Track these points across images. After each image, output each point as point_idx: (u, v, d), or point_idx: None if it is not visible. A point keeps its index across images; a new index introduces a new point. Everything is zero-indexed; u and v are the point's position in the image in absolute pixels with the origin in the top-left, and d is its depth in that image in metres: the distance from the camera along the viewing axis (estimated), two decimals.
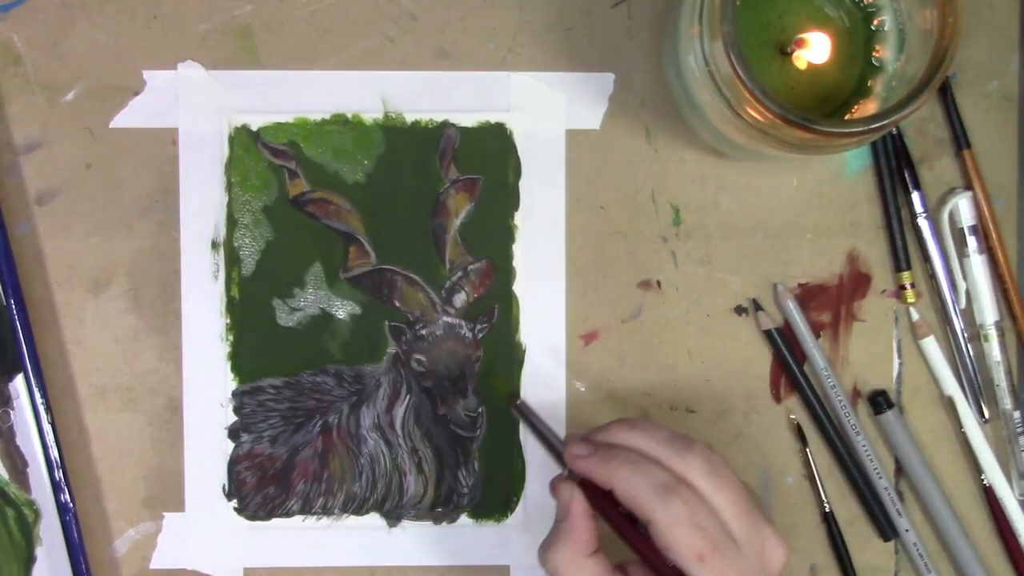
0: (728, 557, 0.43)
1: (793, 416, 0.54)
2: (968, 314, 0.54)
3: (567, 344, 0.53)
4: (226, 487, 0.53)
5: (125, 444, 0.53)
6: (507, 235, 0.53)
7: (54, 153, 0.52)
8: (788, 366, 0.53)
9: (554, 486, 0.47)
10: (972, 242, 0.53)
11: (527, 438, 0.53)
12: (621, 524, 0.45)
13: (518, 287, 0.53)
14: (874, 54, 0.47)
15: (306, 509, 0.53)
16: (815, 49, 0.47)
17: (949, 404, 0.54)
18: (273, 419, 0.53)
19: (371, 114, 0.53)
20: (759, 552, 0.44)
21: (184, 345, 0.53)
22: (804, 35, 0.47)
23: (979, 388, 0.53)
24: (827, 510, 0.53)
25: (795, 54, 0.47)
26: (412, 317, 0.53)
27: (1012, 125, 0.54)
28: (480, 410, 0.53)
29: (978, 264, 0.53)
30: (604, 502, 0.45)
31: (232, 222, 0.53)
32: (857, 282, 0.54)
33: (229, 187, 0.53)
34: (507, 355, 0.53)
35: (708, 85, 0.45)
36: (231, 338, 0.53)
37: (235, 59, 0.52)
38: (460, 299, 0.53)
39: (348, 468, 0.53)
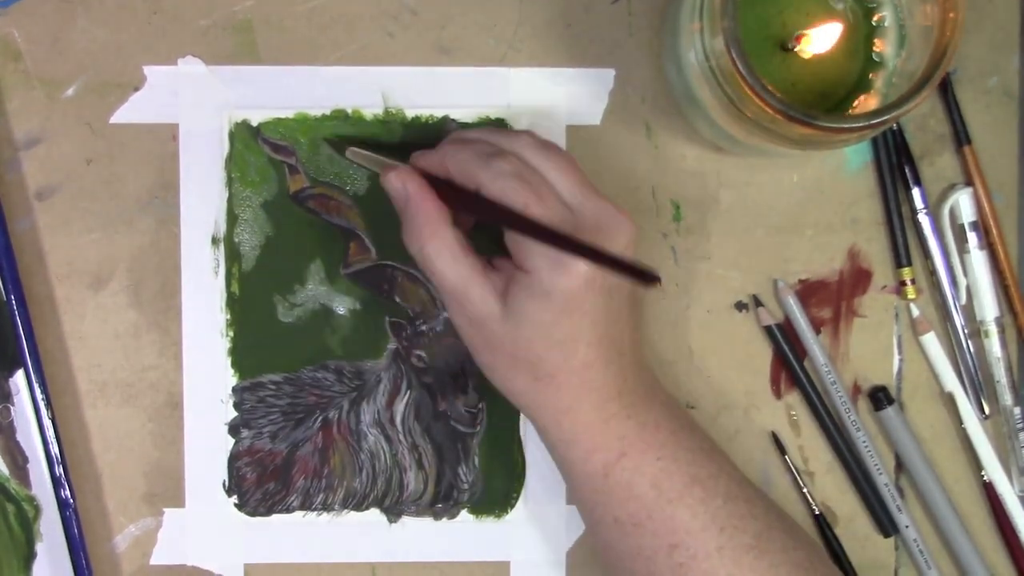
0: (556, 212, 0.43)
1: (794, 413, 0.54)
2: (968, 310, 0.54)
3: None
4: (226, 483, 0.53)
5: (125, 440, 0.53)
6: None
7: (54, 149, 0.52)
8: (788, 362, 0.53)
9: (384, 181, 0.47)
10: (972, 238, 0.53)
11: (528, 434, 0.53)
12: (463, 198, 0.45)
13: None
14: (875, 50, 0.47)
15: (306, 505, 0.53)
16: (816, 40, 0.47)
17: (949, 400, 0.54)
18: (273, 415, 0.53)
19: (371, 109, 0.53)
20: (596, 223, 0.43)
21: (184, 341, 0.53)
22: (804, 30, 0.47)
23: (979, 384, 0.53)
24: (817, 513, 0.53)
25: (796, 49, 0.47)
26: (412, 313, 0.53)
27: (1012, 121, 0.54)
28: (480, 406, 0.53)
29: (978, 260, 0.53)
30: (446, 192, 0.45)
31: (232, 218, 0.53)
32: (857, 278, 0.54)
33: (229, 183, 0.53)
34: None
35: (709, 81, 0.45)
36: (231, 334, 0.53)
37: (235, 55, 0.52)
38: None
39: (348, 464, 0.53)
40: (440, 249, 0.45)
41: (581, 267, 0.43)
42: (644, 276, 0.39)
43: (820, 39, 0.47)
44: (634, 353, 0.47)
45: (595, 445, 0.46)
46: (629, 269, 0.39)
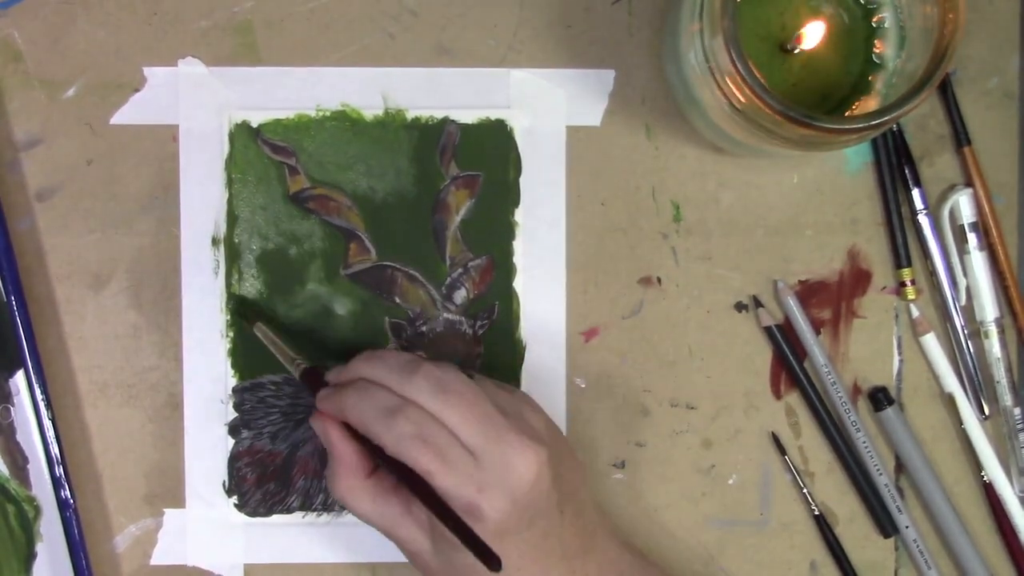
0: (460, 469, 0.43)
1: (794, 419, 0.54)
2: (968, 311, 0.54)
3: (567, 341, 0.53)
4: (226, 483, 0.53)
5: (126, 440, 0.53)
6: (507, 232, 0.53)
7: (54, 149, 0.52)
8: (788, 363, 0.53)
9: (311, 422, 0.47)
10: (972, 239, 0.53)
11: None
12: (375, 453, 0.45)
13: (518, 284, 0.53)
14: (874, 51, 0.47)
15: (306, 505, 0.53)
16: (811, 34, 0.47)
17: (949, 401, 0.54)
18: (273, 415, 0.53)
19: (371, 110, 0.53)
20: (500, 463, 0.43)
21: (185, 341, 0.53)
22: (804, 30, 0.47)
23: (979, 385, 0.53)
24: (816, 513, 0.53)
25: (795, 50, 0.47)
26: (412, 313, 0.53)
27: (1013, 122, 0.54)
28: None
29: (978, 261, 0.53)
30: (357, 435, 0.46)
31: (232, 218, 0.53)
32: (857, 279, 0.54)
33: (229, 183, 0.53)
34: (507, 352, 0.53)
35: (708, 82, 0.45)
36: (231, 334, 0.53)
37: (235, 56, 0.52)
38: (460, 296, 0.53)
39: None
40: (358, 496, 0.46)
41: (490, 521, 0.43)
42: (488, 559, 0.41)
43: (820, 39, 0.47)
44: (577, 535, 0.47)
45: None
46: (479, 550, 0.41)
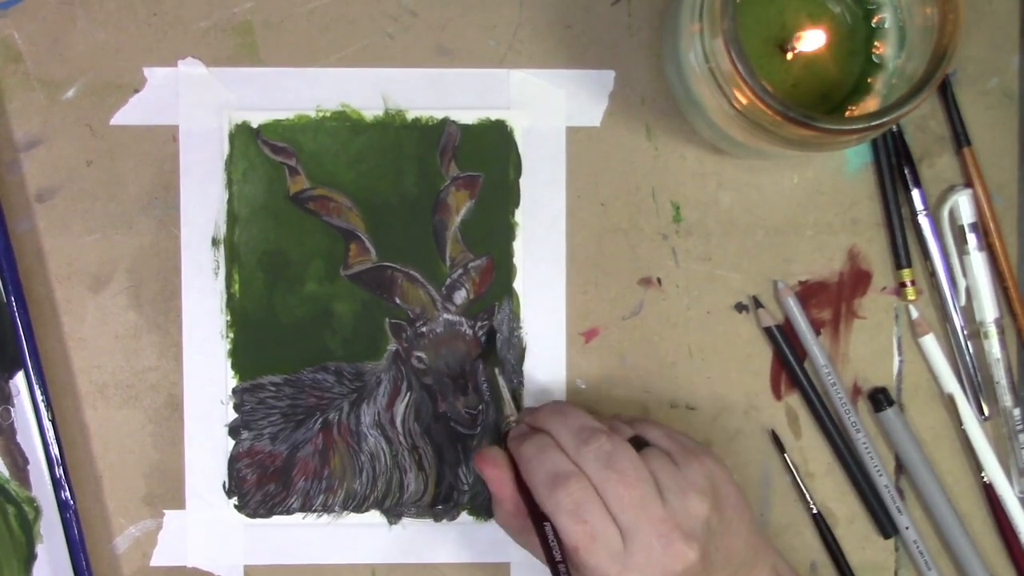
0: (607, 549, 0.44)
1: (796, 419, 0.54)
2: (968, 311, 0.54)
3: (567, 341, 0.53)
4: (226, 484, 0.53)
5: (125, 441, 0.53)
6: (507, 232, 0.53)
7: (54, 150, 0.52)
8: (788, 363, 0.53)
9: (475, 461, 0.49)
10: (972, 239, 0.53)
11: None
12: (532, 506, 0.46)
13: (518, 284, 0.53)
14: (874, 51, 0.47)
15: (306, 506, 0.53)
16: (815, 43, 0.47)
17: (949, 401, 0.54)
18: (273, 416, 0.53)
19: (371, 111, 0.53)
20: (648, 549, 0.44)
21: (184, 342, 0.53)
22: (804, 31, 0.47)
23: (979, 385, 0.53)
24: (815, 512, 0.53)
25: (795, 51, 0.47)
26: (412, 314, 0.53)
27: (1012, 122, 0.54)
28: (480, 407, 0.53)
29: (978, 261, 0.53)
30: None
31: (232, 219, 0.53)
32: (857, 279, 0.54)
33: (229, 184, 0.53)
34: (507, 352, 0.53)
35: (708, 82, 0.45)
36: (231, 335, 0.53)
37: (235, 56, 0.52)
38: (460, 296, 0.53)
39: (348, 465, 0.53)
40: (520, 534, 0.48)
41: None
42: None
43: (820, 40, 0.47)
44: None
45: None
46: None
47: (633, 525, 0.44)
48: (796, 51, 0.47)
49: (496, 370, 0.52)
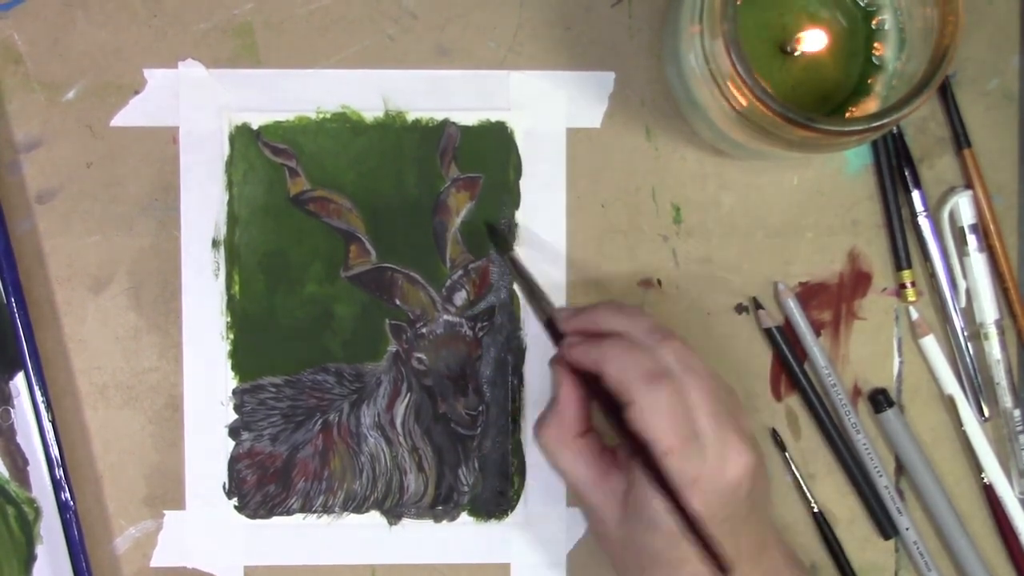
0: (690, 456, 0.43)
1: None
2: (968, 312, 0.54)
3: None
4: (226, 485, 0.53)
5: (126, 442, 0.53)
6: (508, 233, 0.53)
7: (55, 151, 0.52)
8: (788, 364, 0.53)
9: (551, 365, 0.48)
10: (972, 240, 0.53)
11: (527, 436, 0.53)
12: (605, 405, 0.45)
13: (518, 286, 0.53)
14: (874, 52, 0.47)
15: (306, 507, 0.53)
16: (815, 44, 0.47)
17: (949, 402, 0.54)
18: (274, 417, 0.53)
19: (372, 112, 0.53)
20: (720, 456, 0.44)
21: (185, 343, 0.53)
22: (804, 33, 0.47)
23: (979, 386, 0.53)
24: (815, 510, 0.53)
25: (795, 52, 0.47)
26: (412, 315, 0.53)
27: (1012, 123, 0.54)
28: (480, 408, 0.53)
29: (978, 262, 0.53)
30: (591, 384, 0.46)
31: (233, 220, 0.53)
32: (857, 280, 0.54)
33: (230, 185, 0.53)
34: (507, 353, 0.53)
35: (708, 84, 0.45)
36: (232, 336, 0.53)
37: (235, 57, 0.52)
38: (461, 297, 0.53)
39: (348, 466, 0.53)
40: (563, 451, 0.47)
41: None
42: (718, 564, 0.42)
43: (820, 41, 0.47)
44: (752, 543, 0.46)
45: None
46: (709, 550, 0.42)
47: (709, 432, 0.43)
48: (797, 52, 0.47)
49: (513, 257, 0.51)
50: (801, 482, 0.53)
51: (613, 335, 0.46)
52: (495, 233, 0.52)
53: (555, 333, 0.48)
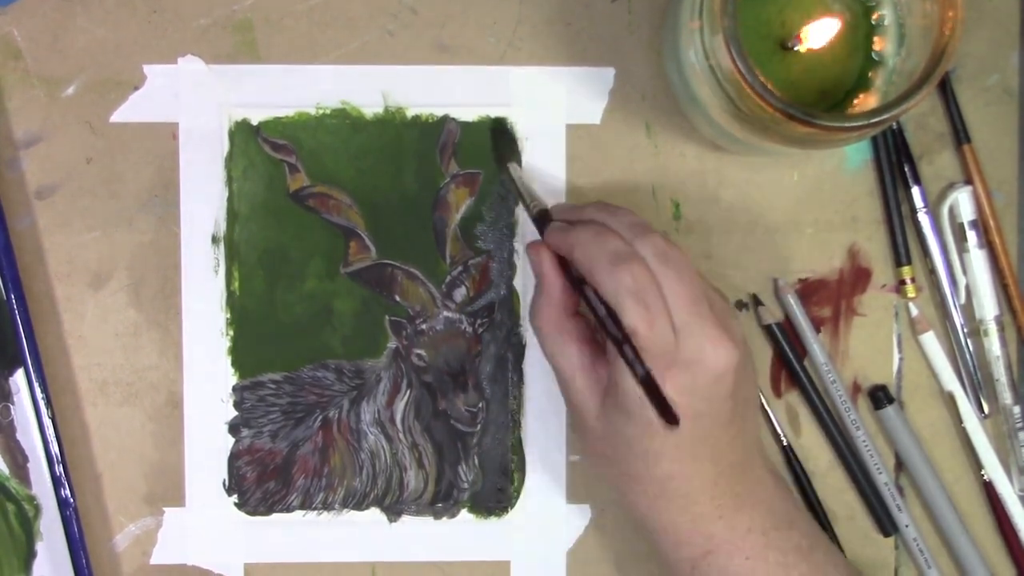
0: (660, 340, 0.43)
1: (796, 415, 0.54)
2: (968, 309, 0.54)
3: None
4: (226, 482, 0.53)
5: (125, 439, 0.53)
6: (508, 230, 0.53)
7: (54, 147, 0.52)
8: (788, 361, 0.53)
9: (528, 249, 0.48)
10: (972, 237, 0.53)
11: (528, 433, 0.53)
12: (580, 293, 0.46)
13: (518, 282, 0.53)
14: (874, 48, 0.47)
15: (306, 504, 0.53)
16: (814, 35, 0.47)
17: (949, 399, 0.54)
18: (273, 414, 0.53)
19: (371, 108, 0.53)
20: (699, 347, 0.43)
21: (184, 340, 0.53)
22: (805, 28, 0.47)
23: (979, 383, 0.53)
24: (817, 508, 0.53)
25: (795, 48, 0.47)
26: (412, 312, 0.53)
27: (1012, 119, 0.54)
28: (480, 405, 0.53)
29: (978, 259, 0.53)
30: (570, 274, 0.46)
31: (232, 217, 0.53)
32: (857, 277, 0.54)
33: (229, 182, 0.53)
34: (507, 350, 0.53)
35: (708, 79, 0.45)
36: (231, 333, 0.53)
37: (235, 53, 0.52)
38: (460, 294, 0.53)
39: (348, 463, 0.53)
40: (554, 330, 0.47)
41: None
42: (667, 415, 0.43)
43: (818, 34, 0.47)
44: (734, 453, 0.46)
45: (681, 540, 0.46)
46: (662, 406, 0.43)
47: (685, 322, 0.43)
48: (798, 47, 0.47)
49: (511, 165, 0.51)
50: (801, 478, 0.53)
51: (589, 222, 0.46)
52: (503, 136, 0.52)
53: (541, 225, 0.48)
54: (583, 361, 0.46)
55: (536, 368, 0.53)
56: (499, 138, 0.52)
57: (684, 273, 0.44)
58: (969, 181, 0.53)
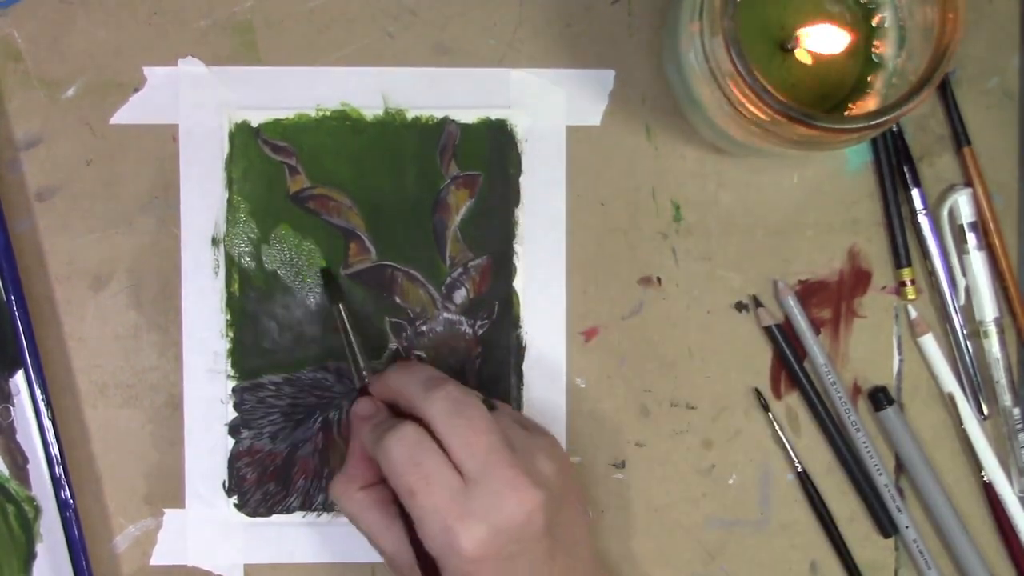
0: (444, 493, 0.43)
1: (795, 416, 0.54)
2: (968, 311, 0.54)
3: (567, 340, 0.53)
4: (226, 483, 0.53)
5: (125, 440, 0.53)
6: (507, 232, 0.53)
7: (54, 149, 0.52)
8: (788, 363, 0.53)
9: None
10: (972, 239, 0.53)
11: None
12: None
13: (518, 284, 0.53)
14: (874, 50, 0.47)
15: (306, 505, 0.53)
16: (816, 40, 0.47)
17: (949, 401, 0.54)
18: (273, 415, 0.53)
19: (371, 110, 0.53)
20: (495, 492, 0.43)
21: (184, 341, 0.53)
22: (804, 30, 0.47)
23: (979, 385, 0.53)
24: (819, 508, 0.53)
25: (795, 50, 0.47)
26: (412, 313, 0.53)
27: (1012, 122, 0.54)
28: None
29: (978, 261, 0.53)
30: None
31: (233, 218, 0.53)
32: (857, 278, 0.54)
33: (229, 183, 0.53)
34: (507, 352, 0.53)
35: (708, 82, 0.45)
36: (231, 334, 0.53)
37: (235, 55, 0.52)
38: (460, 295, 0.53)
39: None
40: (347, 501, 0.48)
41: (464, 549, 0.43)
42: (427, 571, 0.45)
43: (820, 39, 0.47)
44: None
45: None
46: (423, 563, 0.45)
47: (480, 471, 0.43)
48: (798, 49, 0.47)
49: (342, 308, 0.51)
50: (801, 478, 0.53)
51: (388, 400, 0.48)
52: (329, 281, 0.52)
53: (362, 392, 0.50)
54: (381, 526, 0.47)
55: (536, 370, 0.53)
56: (328, 281, 0.52)
57: (475, 422, 0.44)
58: (969, 183, 0.53)
